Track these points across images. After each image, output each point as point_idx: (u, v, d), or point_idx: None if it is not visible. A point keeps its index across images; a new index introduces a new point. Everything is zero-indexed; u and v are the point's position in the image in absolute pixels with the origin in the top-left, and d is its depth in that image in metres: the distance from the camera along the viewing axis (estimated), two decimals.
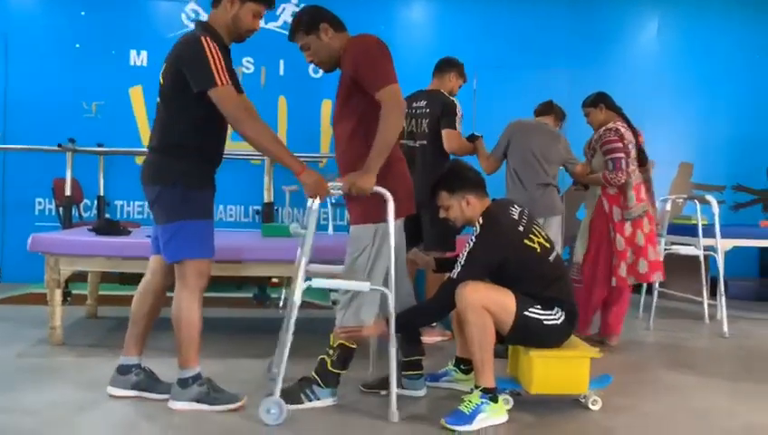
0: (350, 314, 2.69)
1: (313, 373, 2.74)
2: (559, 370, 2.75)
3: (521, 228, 2.70)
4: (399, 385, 2.83)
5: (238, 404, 2.65)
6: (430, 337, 3.91)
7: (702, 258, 4.76)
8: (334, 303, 5.09)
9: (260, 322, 4.58)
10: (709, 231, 4.69)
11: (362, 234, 2.69)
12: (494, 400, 2.59)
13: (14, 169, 5.77)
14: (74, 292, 4.74)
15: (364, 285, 2.58)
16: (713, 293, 4.84)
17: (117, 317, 4.35)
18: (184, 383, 2.64)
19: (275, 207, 5.70)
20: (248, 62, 5.97)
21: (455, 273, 2.66)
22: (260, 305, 5.04)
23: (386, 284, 2.63)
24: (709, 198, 4.65)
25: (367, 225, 2.68)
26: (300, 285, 2.57)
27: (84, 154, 5.44)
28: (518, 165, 3.98)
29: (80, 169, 5.38)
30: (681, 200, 5.80)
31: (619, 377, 3.16)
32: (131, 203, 5.89)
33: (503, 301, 2.62)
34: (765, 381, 3.37)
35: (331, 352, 2.73)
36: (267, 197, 5.55)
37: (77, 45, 5.84)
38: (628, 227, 3.89)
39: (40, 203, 5.81)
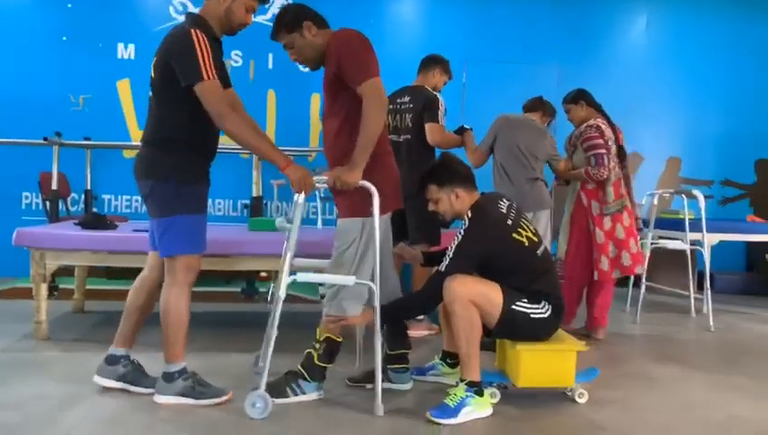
0: (336, 306, 2.69)
1: (299, 367, 2.74)
2: (546, 363, 2.77)
3: (509, 222, 2.71)
4: (386, 379, 2.83)
5: (224, 398, 2.65)
6: (417, 331, 3.92)
7: (689, 252, 4.80)
8: (323, 297, 5.09)
9: (248, 316, 4.57)
10: (696, 225, 4.72)
11: (350, 227, 2.69)
12: (480, 393, 2.60)
13: (0, 162, 5.71)
14: (61, 286, 4.71)
15: (349, 279, 2.57)
16: (700, 287, 4.88)
17: (104, 312, 4.34)
18: (169, 378, 2.63)
19: (264, 201, 5.68)
20: (237, 55, 5.94)
21: (443, 265, 2.66)
22: (248, 300, 5.02)
23: (373, 277, 2.63)
24: (696, 192, 4.68)
25: (355, 218, 2.68)
26: (285, 279, 2.57)
27: (72, 148, 5.39)
28: (505, 160, 4.00)
29: (67, 163, 5.33)
30: (668, 195, 5.83)
31: (606, 370, 3.19)
32: (119, 197, 5.85)
33: (490, 294, 2.63)
34: (749, 374, 3.40)
35: (317, 345, 2.73)
36: (256, 191, 5.54)
37: (64, 38, 5.78)
38: (607, 221, 3.95)
39: (27, 197, 5.77)
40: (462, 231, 2.70)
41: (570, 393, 2.86)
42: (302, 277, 2.57)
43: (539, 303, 2.70)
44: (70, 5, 5.79)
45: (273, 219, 3.83)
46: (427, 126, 3.88)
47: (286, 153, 2.68)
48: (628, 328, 4.49)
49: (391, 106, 3.92)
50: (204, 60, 2.44)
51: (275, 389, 2.65)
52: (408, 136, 3.93)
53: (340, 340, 2.75)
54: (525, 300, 2.68)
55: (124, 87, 5.83)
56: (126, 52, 5.86)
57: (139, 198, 5.76)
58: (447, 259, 2.66)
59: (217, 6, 2.59)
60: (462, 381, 2.61)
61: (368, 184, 2.57)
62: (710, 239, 4.82)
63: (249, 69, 5.97)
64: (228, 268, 3.73)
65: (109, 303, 4.59)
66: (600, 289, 4.03)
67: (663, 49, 6.50)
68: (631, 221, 4.00)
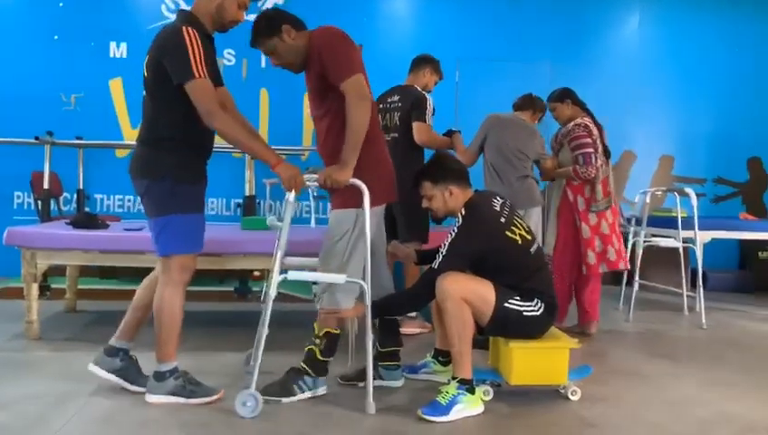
0: (329, 300, 2.70)
1: (302, 364, 2.74)
2: (538, 361, 2.78)
3: (503, 220, 2.72)
4: (377, 376, 2.84)
5: (215, 397, 2.65)
6: (410, 328, 3.93)
7: (681, 250, 4.81)
8: (316, 296, 5.10)
9: (241, 315, 4.55)
10: (689, 223, 4.73)
11: (343, 218, 2.70)
12: (471, 391, 2.60)
13: None
14: (54, 286, 4.69)
15: (340, 278, 2.58)
16: (693, 284, 4.89)
17: (96, 311, 4.33)
18: (160, 377, 2.62)
19: (257, 201, 5.67)
20: (230, 54, 5.92)
21: (436, 263, 2.67)
22: (241, 299, 5.01)
23: (364, 272, 2.63)
24: (688, 190, 4.69)
25: (348, 209, 2.68)
26: (276, 278, 2.57)
27: (64, 147, 5.37)
28: (495, 159, 4.02)
29: (59, 163, 5.32)
30: (661, 193, 5.84)
31: (599, 367, 3.20)
32: (111, 196, 5.82)
33: (482, 292, 2.63)
34: (740, 371, 3.41)
35: (317, 341, 2.73)
36: (248, 190, 5.53)
37: (55, 37, 5.75)
38: (592, 217, 4.01)
39: (18, 197, 5.73)
40: (455, 228, 2.70)
41: (563, 391, 2.86)
42: (292, 275, 2.57)
43: (531, 300, 2.71)
44: (61, 4, 5.76)
45: (265, 218, 3.83)
46: (415, 125, 3.89)
47: (279, 152, 2.67)
48: (620, 326, 4.50)
49: (381, 105, 3.94)
50: (195, 58, 2.43)
51: (282, 388, 2.68)
52: (396, 134, 3.94)
53: (338, 332, 2.75)
54: (518, 298, 2.68)
55: (116, 86, 5.80)
56: (118, 50, 5.83)
57: (132, 198, 5.77)
58: (440, 256, 2.66)
59: (209, 3, 2.58)
60: (454, 378, 2.62)
61: (358, 182, 2.57)
62: (702, 237, 4.83)
63: (242, 68, 5.95)
64: (221, 267, 3.72)
65: (101, 302, 4.59)
66: (588, 283, 4.06)
67: (656, 47, 6.51)
68: (614, 218, 4.05)
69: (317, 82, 2.68)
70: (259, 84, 5.95)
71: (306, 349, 2.75)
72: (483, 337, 2.92)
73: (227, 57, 5.90)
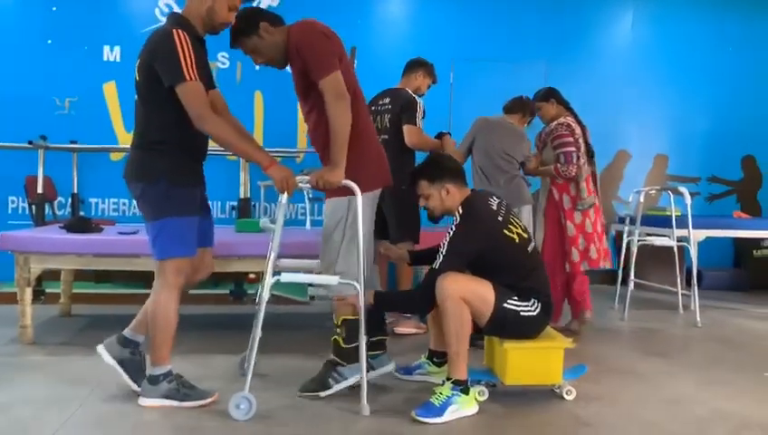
0: (335, 287, 2.69)
1: (333, 356, 2.77)
2: (533, 360, 2.78)
3: (500, 218, 2.73)
4: (369, 368, 2.83)
5: (209, 400, 2.64)
6: (405, 328, 3.93)
7: (676, 249, 4.82)
8: (312, 298, 5.09)
9: (236, 318, 4.54)
10: (683, 222, 4.74)
11: (337, 206, 2.71)
12: (466, 392, 2.60)
13: None
14: (49, 290, 4.67)
15: (332, 279, 2.58)
16: (688, 283, 4.90)
17: (91, 315, 4.31)
18: (154, 380, 2.62)
19: (252, 203, 5.66)
20: (224, 57, 5.92)
21: (436, 263, 2.67)
22: (237, 302, 5.00)
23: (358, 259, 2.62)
24: (682, 189, 4.70)
25: (341, 198, 2.69)
26: (269, 280, 2.56)
27: (58, 151, 5.36)
28: (482, 162, 4.06)
29: (53, 167, 5.30)
30: (655, 192, 5.85)
31: (593, 366, 3.19)
32: (106, 200, 5.81)
33: (482, 292, 2.63)
34: (734, 370, 3.41)
35: (338, 331, 2.75)
36: (243, 192, 5.52)
37: (49, 41, 5.74)
38: (577, 215, 4.04)
39: (13, 201, 5.72)
40: (453, 228, 2.70)
41: (558, 390, 2.86)
42: (285, 277, 2.57)
43: (529, 300, 2.71)
44: (54, 8, 5.75)
45: (258, 220, 3.82)
46: (405, 128, 3.91)
47: (274, 155, 2.67)
48: (616, 325, 4.50)
49: (372, 108, 3.96)
50: (185, 60, 2.43)
51: (319, 383, 2.73)
52: (386, 136, 3.95)
53: (356, 317, 2.68)
54: (516, 298, 2.68)
55: (110, 90, 5.79)
56: (112, 54, 5.82)
57: (127, 201, 5.76)
58: (440, 257, 2.66)
59: (199, 6, 2.58)
60: (448, 379, 2.61)
61: (351, 183, 2.58)
62: (697, 236, 4.85)
63: (236, 70, 5.95)
64: (216, 270, 3.69)
65: (96, 307, 4.57)
66: (574, 279, 4.08)
67: (649, 46, 6.53)
68: (597, 217, 4.08)
69: (299, 79, 2.70)
70: (253, 87, 5.95)
71: (332, 340, 2.78)
72: (477, 335, 2.92)
73: (221, 60, 5.90)
